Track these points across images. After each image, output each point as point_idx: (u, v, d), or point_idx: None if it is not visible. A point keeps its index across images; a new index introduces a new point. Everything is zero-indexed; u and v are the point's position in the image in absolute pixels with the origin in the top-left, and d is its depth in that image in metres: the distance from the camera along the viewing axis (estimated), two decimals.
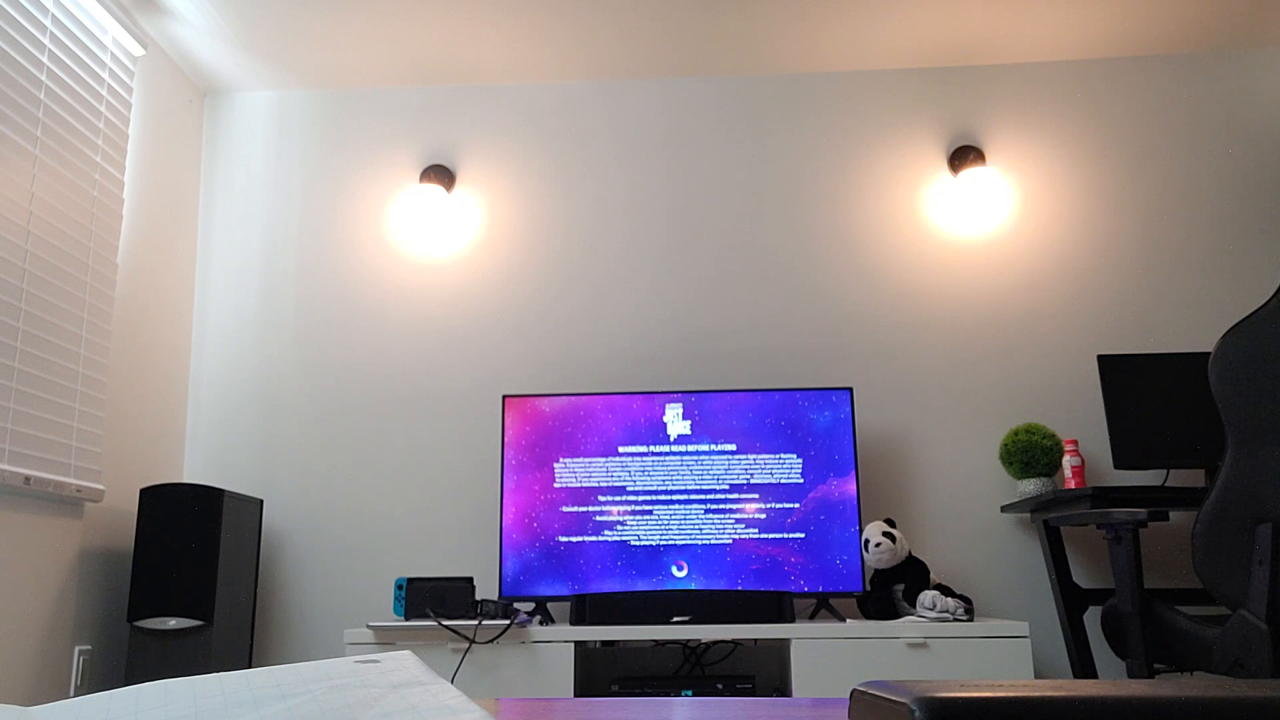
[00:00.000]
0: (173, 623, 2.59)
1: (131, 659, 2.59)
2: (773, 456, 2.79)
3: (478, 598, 3.01)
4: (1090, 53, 3.26)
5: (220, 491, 2.67)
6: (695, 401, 2.83)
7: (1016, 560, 2.96)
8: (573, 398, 2.85)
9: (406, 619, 2.53)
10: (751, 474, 2.78)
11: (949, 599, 2.52)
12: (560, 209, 3.29)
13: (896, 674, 2.42)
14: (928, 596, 2.55)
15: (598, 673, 2.92)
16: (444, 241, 3.29)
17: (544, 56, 3.24)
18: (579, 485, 2.80)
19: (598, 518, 2.77)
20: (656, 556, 2.75)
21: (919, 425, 3.07)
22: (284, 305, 3.27)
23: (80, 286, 2.62)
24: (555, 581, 2.74)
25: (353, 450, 3.15)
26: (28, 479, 2.35)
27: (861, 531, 2.73)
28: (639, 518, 2.77)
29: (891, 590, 2.70)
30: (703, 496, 2.77)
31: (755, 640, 2.86)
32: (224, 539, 2.67)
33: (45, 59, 2.52)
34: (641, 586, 2.73)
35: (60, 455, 2.50)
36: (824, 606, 2.75)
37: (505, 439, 2.83)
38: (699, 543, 2.75)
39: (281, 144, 3.39)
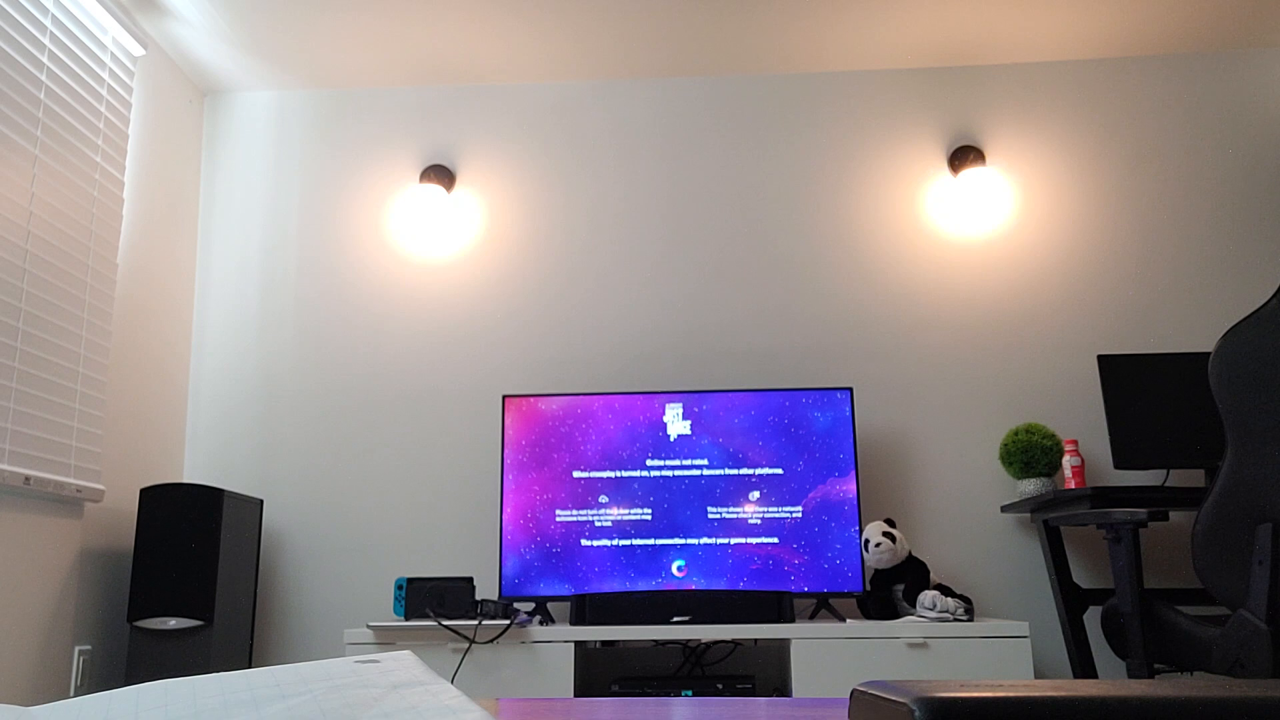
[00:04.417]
0: (173, 623, 2.59)
1: (131, 659, 2.59)
2: (773, 456, 2.79)
3: (478, 598, 3.01)
4: (1090, 53, 3.26)
5: (220, 491, 2.67)
6: (695, 401, 2.83)
7: (1016, 560, 2.96)
8: (573, 398, 2.85)
9: (406, 619, 2.53)
10: (751, 474, 2.78)
11: (949, 599, 2.52)
12: (560, 209, 3.29)
13: (896, 674, 2.42)
14: (928, 596, 2.55)
15: (598, 673, 2.92)
16: (444, 241, 3.29)
17: (544, 57, 3.24)
18: (579, 485, 2.80)
19: (598, 518, 2.78)
20: (656, 556, 2.75)
21: (919, 425, 3.07)
22: (284, 305, 3.27)
23: (80, 286, 2.62)
24: (555, 581, 2.74)
25: (353, 450, 3.15)
26: (28, 479, 2.35)
27: (861, 531, 2.73)
28: (639, 518, 2.77)
29: (891, 590, 2.70)
30: (702, 496, 2.77)
31: (755, 640, 2.86)
32: (224, 539, 2.67)
33: (45, 59, 2.52)
34: (641, 586, 2.73)
35: (60, 455, 2.50)
36: (824, 606, 2.75)
37: (505, 439, 2.83)
38: (699, 543, 2.75)
39: (281, 144, 3.39)
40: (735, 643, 2.88)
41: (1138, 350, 3.07)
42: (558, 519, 2.78)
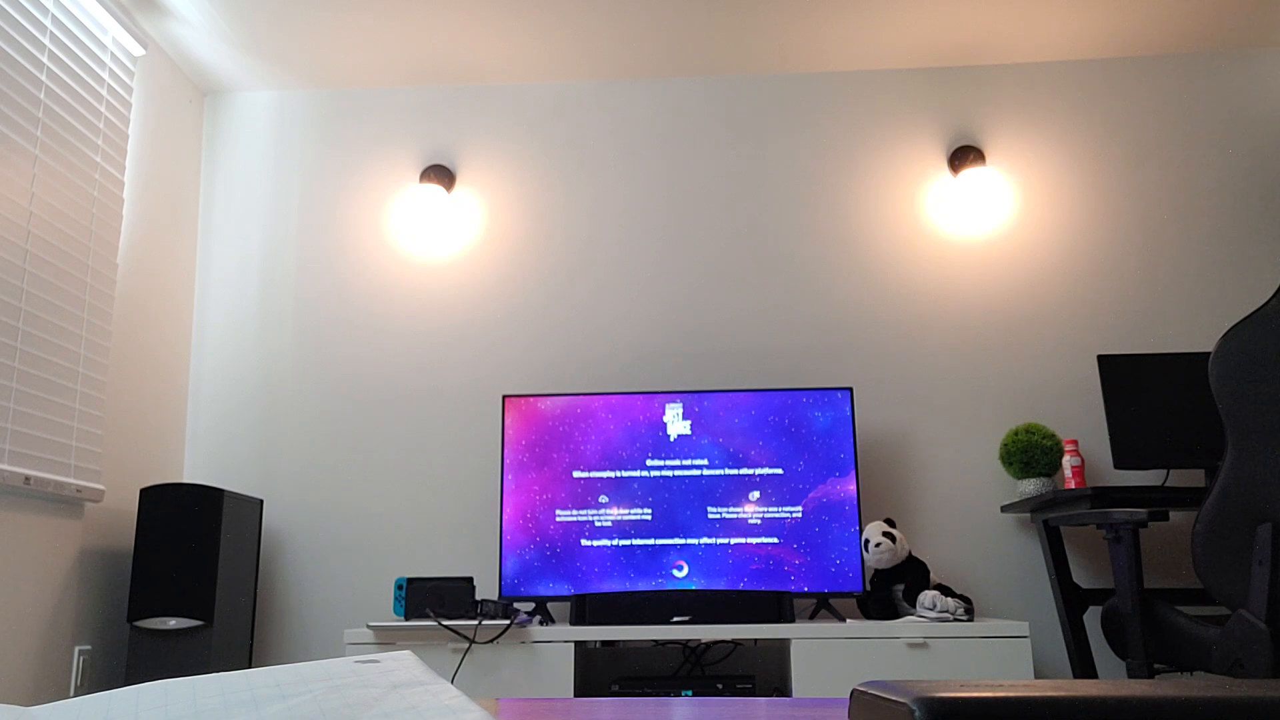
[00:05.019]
0: (173, 623, 2.59)
1: (131, 659, 2.59)
2: (773, 456, 2.79)
3: (478, 598, 3.01)
4: (1090, 53, 3.26)
5: (220, 491, 2.67)
6: (695, 401, 2.83)
7: (1016, 560, 2.96)
8: (573, 398, 2.85)
9: (406, 619, 2.53)
10: (751, 474, 2.78)
11: (949, 599, 2.52)
12: (560, 209, 3.29)
13: (896, 674, 2.42)
14: (928, 596, 2.55)
15: (598, 673, 2.92)
16: (444, 241, 3.29)
17: (544, 57, 3.24)
18: (579, 485, 2.80)
19: (598, 518, 2.78)
20: (656, 556, 2.75)
21: (919, 425, 3.07)
22: (284, 305, 3.27)
23: (80, 286, 2.62)
24: (555, 581, 2.74)
25: (353, 450, 3.15)
26: (28, 479, 2.35)
27: (861, 531, 2.73)
28: (639, 518, 2.77)
29: (891, 590, 2.70)
30: (702, 496, 2.77)
31: (755, 640, 2.86)
32: (224, 539, 2.67)
33: (45, 59, 2.52)
34: (641, 586, 2.73)
35: (60, 455, 2.50)
36: (824, 606, 2.75)
37: (505, 439, 2.83)
38: (699, 543, 2.75)
39: (281, 144, 3.39)
40: (735, 643, 2.88)
41: (1138, 350, 3.07)
42: (558, 519, 2.78)
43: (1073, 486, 2.72)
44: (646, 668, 2.92)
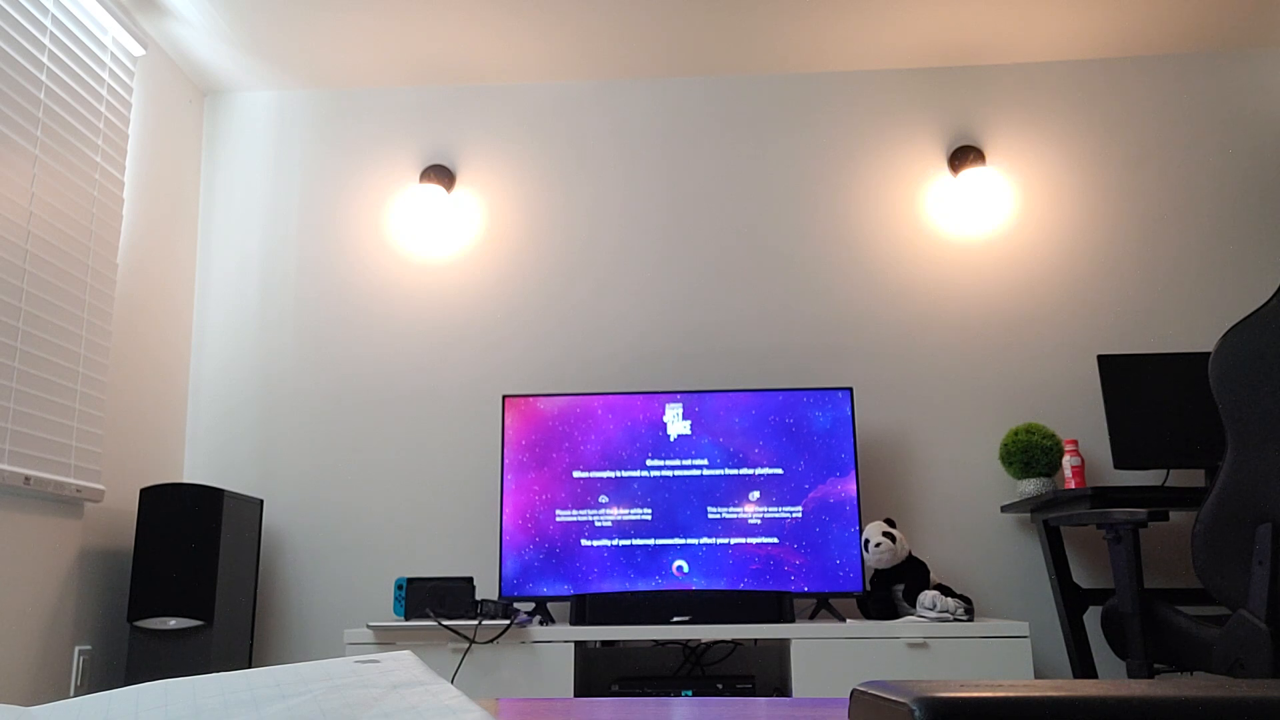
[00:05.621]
0: (173, 623, 2.59)
1: (131, 659, 2.59)
2: (773, 456, 2.79)
3: (478, 598, 3.01)
4: (1090, 53, 3.26)
5: (220, 491, 2.67)
6: (695, 401, 2.83)
7: (1016, 560, 2.96)
8: (572, 398, 2.85)
9: (406, 619, 2.54)
10: (751, 474, 2.78)
11: (949, 599, 2.52)
12: (560, 209, 3.29)
13: (896, 674, 2.42)
14: (928, 596, 2.55)
15: (598, 673, 2.92)
16: (444, 241, 3.29)
17: (544, 57, 3.24)
18: (579, 485, 2.80)
19: (598, 518, 2.78)
20: (656, 556, 2.75)
21: (919, 425, 3.07)
22: (284, 305, 3.27)
23: (80, 286, 2.62)
24: (555, 581, 2.74)
25: (353, 450, 3.15)
26: (28, 479, 2.35)
27: (861, 531, 2.73)
28: (639, 518, 2.77)
29: (891, 590, 2.70)
30: (702, 496, 2.77)
31: (755, 640, 2.86)
32: (224, 539, 2.67)
33: (45, 59, 2.52)
34: (641, 586, 2.73)
35: (60, 455, 2.50)
36: (824, 606, 2.75)
37: (505, 439, 2.83)
38: (699, 543, 2.75)
39: (281, 144, 3.39)
40: (735, 643, 2.88)
41: (1138, 350, 3.07)
42: (558, 519, 2.78)
43: (1073, 486, 2.72)
44: (646, 668, 2.92)
